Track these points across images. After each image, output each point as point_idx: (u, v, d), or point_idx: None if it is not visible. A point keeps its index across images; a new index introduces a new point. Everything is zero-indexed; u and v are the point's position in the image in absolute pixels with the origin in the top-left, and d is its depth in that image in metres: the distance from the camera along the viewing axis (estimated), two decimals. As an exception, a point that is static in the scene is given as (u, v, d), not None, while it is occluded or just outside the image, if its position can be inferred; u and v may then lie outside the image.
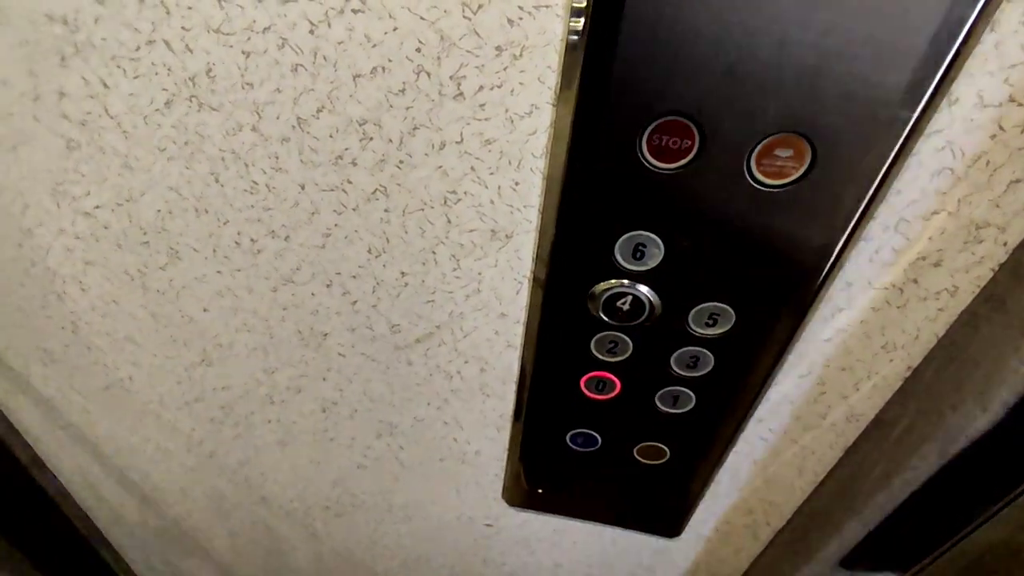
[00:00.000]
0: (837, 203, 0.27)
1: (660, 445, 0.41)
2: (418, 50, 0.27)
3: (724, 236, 0.29)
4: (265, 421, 0.49)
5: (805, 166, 0.26)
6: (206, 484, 0.59)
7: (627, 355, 0.36)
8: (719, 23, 0.23)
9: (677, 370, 0.36)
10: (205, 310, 0.41)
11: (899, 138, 0.25)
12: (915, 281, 0.30)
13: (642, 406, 0.39)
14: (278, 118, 0.30)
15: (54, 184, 0.36)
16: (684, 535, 0.49)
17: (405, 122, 0.29)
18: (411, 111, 0.29)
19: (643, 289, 0.32)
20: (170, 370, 0.47)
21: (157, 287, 0.41)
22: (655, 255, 0.31)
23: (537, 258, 0.33)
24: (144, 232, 0.38)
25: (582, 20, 0.24)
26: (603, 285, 0.32)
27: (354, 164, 0.31)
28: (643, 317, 0.33)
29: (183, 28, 0.28)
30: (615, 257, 0.31)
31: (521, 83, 0.27)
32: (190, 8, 0.27)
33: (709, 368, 0.35)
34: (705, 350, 0.35)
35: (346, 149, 0.31)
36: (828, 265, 0.30)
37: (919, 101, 0.24)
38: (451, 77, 0.27)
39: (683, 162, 0.27)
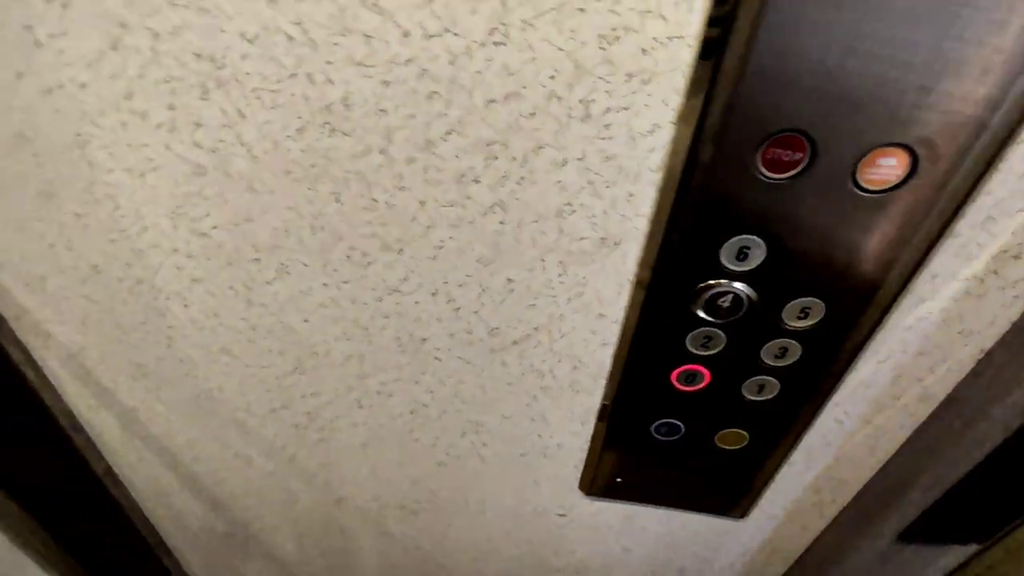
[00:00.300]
0: (932, 205, 0.30)
1: (741, 431, 0.44)
2: (552, 77, 0.29)
3: (824, 237, 0.32)
4: (351, 425, 0.52)
5: (905, 173, 0.29)
6: (282, 488, 0.61)
7: (719, 348, 0.39)
8: (834, 51, 0.26)
9: (766, 361, 0.39)
10: (306, 321, 0.44)
11: (994, 147, 0.28)
12: (996, 272, 0.33)
13: (728, 395, 0.41)
14: (407, 141, 0.33)
15: (175, 207, 0.38)
16: (751, 516, 0.52)
17: (531, 142, 0.32)
18: (538, 132, 0.31)
19: (742, 287, 0.35)
20: (261, 379, 0.49)
21: (261, 301, 0.43)
22: (758, 256, 0.34)
23: (642, 262, 0.35)
24: (256, 249, 0.40)
25: (713, 50, 0.27)
26: (706, 284, 0.35)
27: (476, 181, 0.34)
28: (741, 313, 0.36)
29: (327, 62, 0.30)
30: (719, 259, 0.34)
31: (646, 105, 0.29)
32: (336, 44, 0.30)
33: (796, 358, 0.38)
34: (794, 341, 0.37)
35: (470, 167, 0.33)
36: (918, 261, 0.33)
37: (1012, 113, 0.27)
38: (580, 101, 0.30)
39: (793, 172, 0.30)
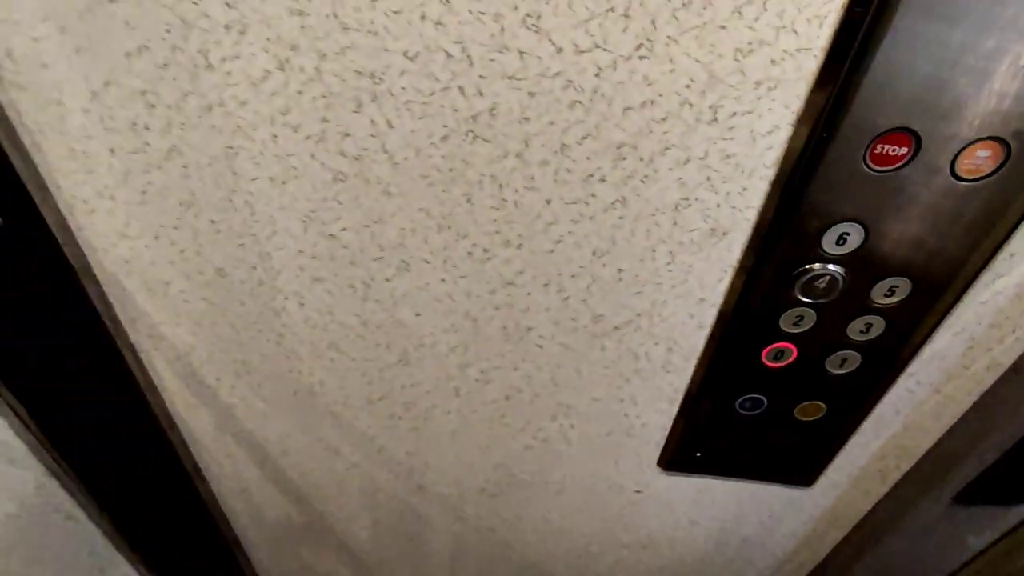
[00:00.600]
0: (1019, 191, 0.34)
1: (820, 403, 0.48)
2: (687, 86, 0.33)
3: (918, 221, 0.36)
4: (445, 413, 0.55)
5: (998, 163, 0.33)
6: (366, 478, 0.64)
7: (809, 326, 0.42)
8: (945, 60, 0.30)
9: (851, 336, 0.43)
10: (418, 315, 0.47)
11: (1077, 137, 0.32)
12: (1067, 248, 0.37)
13: (812, 370, 0.45)
14: (543, 146, 0.36)
15: (308, 211, 0.41)
16: (816, 484, 0.57)
17: (659, 144, 0.35)
18: (667, 135, 0.35)
19: (837, 269, 0.39)
20: (363, 372, 0.52)
21: (377, 297, 0.46)
22: (855, 240, 0.37)
23: (747, 249, 0.39)
24: (381, 249, 0.43)
25: (837, 60, 0.31)
26: (806, 268, 0.39)
27: (602, 180, 0.37)
28: (834, 294, 0.40)
29: (480, 76, 0.34)
30: (821, 244, 0.38)
31: (770, 109, 0.33)
32: (492, 60, 0.33)
33: (879, 333, 0.42)
34: (879, 317, 0.41)
35: (599, 168, 0.37)
36: (999, 241, 0.37)
37: (1095, 108, 0.31)
38: (710, 106, 0.33)
39: (897, 165, 0.34)
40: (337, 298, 0.47)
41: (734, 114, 0.33)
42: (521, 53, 0.32)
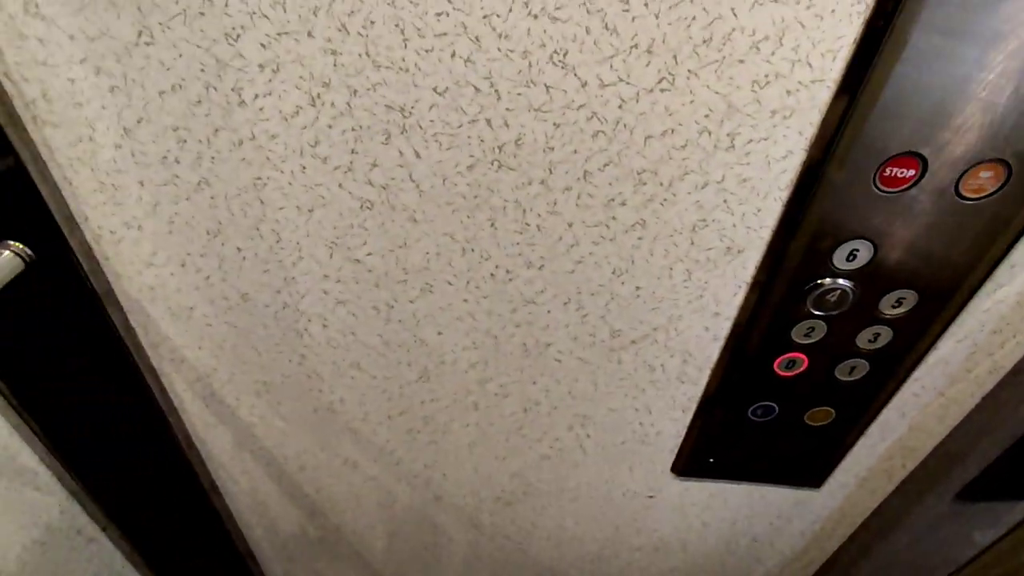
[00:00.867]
0: (1020, 208, 0.36)
1: (829, 409, 0.50)
2: (706, 116, 0.34)
3: (924, 238, 0.38)
4: (463, 426, 0.56)
5: (1001, 183, 0.35)
6: (383, 491, 0.65)
7: (820, 337, 0.44)
8: (953, 85, 0.32)
9: (859, 346, 0.45)
10: (440, 333, 0.48)
11: (1074, 158, 0.34)
12: (1064, 260, 0.39)
13: (823, 378, 0.47)
14: (567, 173, 0.37)
15: (334, 238, 0.42)
16: (825, 485, 0.58)
17: (679, 170, 0.37)
18: (686, 161, 0.36)
19: (847, 283, 0.41)
20: (384, 389, 0.54)
21: (400, 318, 0.47)
22: (864, 256, 0.39)
23: (761, 266, 0.41)
24: (406, 272, 0.44)
25: (849, 90, 0.32)
26: (817, 283, 0.41)
27: (623, 204, 0.39)
28: (845, 307, 0.42)
29: (507, 109, 0.35)
30: (832, 260, 0.39)
31: (784, 136, 0.35)
32: (519, 94, 0.34)
33: (887, 342, 0.44)
34: (887, 327, 0.43)
35: (619, 193, 0.38)
36: (1001, 254, 0.39)
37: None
38: (728, 134, 0.35)
39: (905, 187, 0.36)
40: (360, 319, 0.48)
41: (750, 141, 0.35)
42: (547, 87, 0.34)
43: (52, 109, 0.36)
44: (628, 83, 0.33)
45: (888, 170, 0.35)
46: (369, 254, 0.43)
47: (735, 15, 0.30)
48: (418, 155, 0.37)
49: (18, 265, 0.41)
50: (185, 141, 0.37)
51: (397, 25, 0.32)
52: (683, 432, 0.54)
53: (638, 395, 0.51)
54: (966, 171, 0.35)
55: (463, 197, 0.39)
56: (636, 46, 0.32)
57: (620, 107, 0.34)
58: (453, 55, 0.33)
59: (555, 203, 0.39)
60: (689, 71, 0.32)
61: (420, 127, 0.36)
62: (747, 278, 0.42)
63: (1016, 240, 0.38)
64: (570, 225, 0.40)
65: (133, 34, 0.33)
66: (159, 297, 0.47)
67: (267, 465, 0.64)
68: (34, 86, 0.35)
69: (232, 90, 0.35)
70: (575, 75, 0.33)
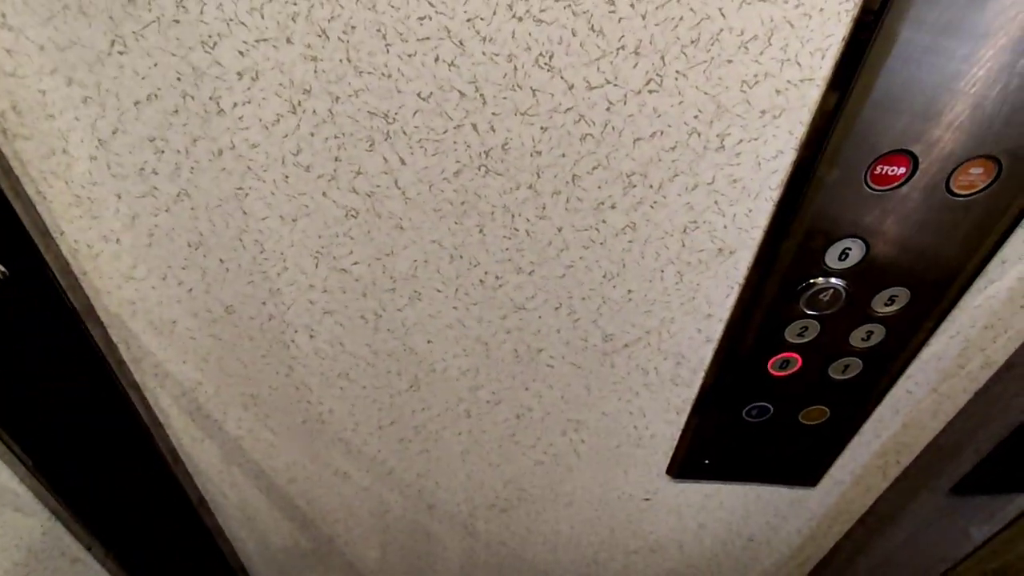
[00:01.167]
0: (1010, 204, 0.36)
1: (824, 408, 0.50)
2: (696, 116, 0.34)
3: (916, 235, 0.38)
4: (455, 434, 0.55)
5: (991, 179, 0.35)
6: (375, 500, 0.64)
7: (813, 336, 0.44)
8: (943, 81, 0.31)
9: (852, 344, 0.44)
10: (429, 342, 0.47)
11: (1063, 152, 0.34)
12: (1054, 254, 0.39)
13: (816, 377, 0.47)
14: (555, 177, 0.37)
15: (319, 247, 0.41)
16: (820, 483, 0.58)
17: (668, 172, 0.36)
18: (676, 163, 0.36)
19: (839, 282, 0.40)
20: (374, 399, 0.53)
21: (389, 327, 0.46)
22: (856, 255, 0.39)
23: (753, 266, 0.40)
24: (393, 280, 0.43)
25: (838, 88, 0.32)
26: (810, 283, 0.40)
27: (613, 207, 0.38)
28: (837, 306, 0.41)
29: (493, 113, 0.34)
30: (824, 260, 0.39)
31: (774, 135, 0.34)
32: (505, 98, 0.33)
33: (880, 339, 0.44)
34: (880, 325, 0.43)
35: (609, 196, 0.37)
36: (991, 250, 0.38)
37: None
38: (717, 135, 0.34)
39: (896, 184, 0.35)
40: (348, 329, 0.47)
41: (740, 141, 0.35)
42: (534, 91, 0.33)
43: (23, 121, 0.35)
44: (615, 85, 0.33)
45: (879, 168, 0.35)
46: (356, 263, 0.42)
47: (723, 15, 0.30)
48: (403, 162, 0.36)
49: (-9, 282, 0.39)
50: (163, 152, 0.36)
51: (379, 30, 0.31)
52: (678, 434, 0.54)
53: (632, 398, 0.51)
54: (956, 168, 0.34)
55: (450, 203, 0.38)
56: (623, 47, 0.31)
57: (608, 109, 0.34)
58: (437, 59, 0.32)
59: (544, 207, 0.38)
60: (677, 72, 0.32)
61: (404, 133, 0.35)
62: (739, 279, 0.42)
63: (1007, 236, 0.38)
64: (560, 229, 0.39)
65: (105, 43, 0.32)
66: (140, 311, 0.46)
67: (256, 478, 0.63)
68: (3, 98, 0.34)
69: (210, 99, 0.34)
70: (561, 78, 0.32)
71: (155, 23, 0.31)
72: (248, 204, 0.39)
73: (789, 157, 0.35)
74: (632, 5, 0.30)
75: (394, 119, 0.35)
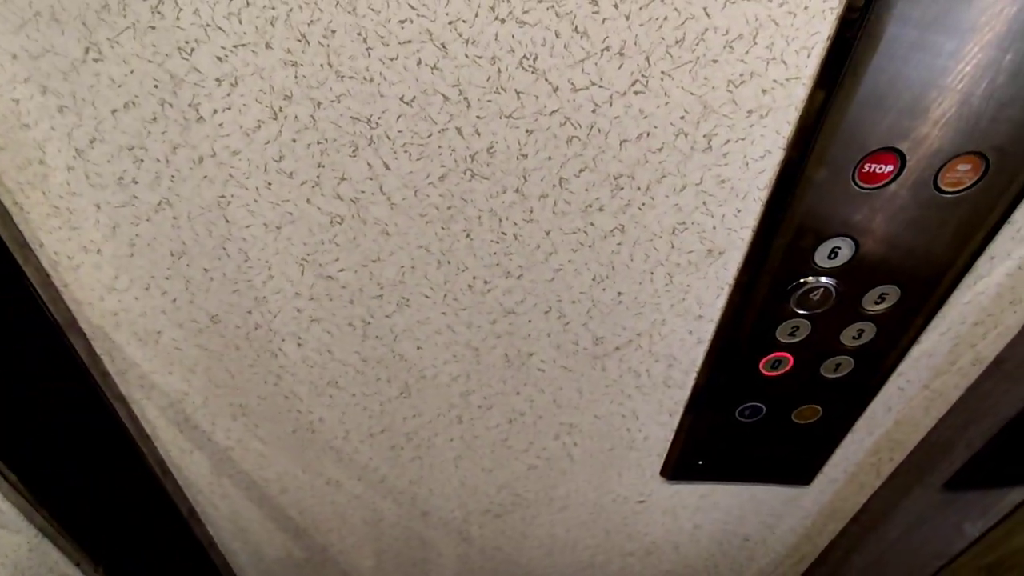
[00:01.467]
0: (998, 200, 0.36)
1: (816, 407, 0.49)
2: (682, 117, 0.33)
3: (904, 233, 0.38)
4: (447, 440, 0.55)
5: (979, 175, 0.35)
6: (368, 508, 0.64)
7: (805, 336, 0.44)
8: (930, 78, 0.31)
9: (844, 343, 0.44)
10: (419, 348, 0.47)
11: (1049, 148, 0.34)
12: (1042, 249, 0.39)
13: (808, 376, 0.47)
14: (542, 180, 0.36)
15: (304, 255, 0.41)
16: (814, 481, 0.58)
17: (656, 173, 0.36)
18: (663, 164, 0.35)
19: (830, 281, 0.40)
20: (365, 407, 0.52)
21: (377, 334, 0.46)
22: (846, 253, 0.39)
23: (743, 267, 0.40)
24: (381, 287, 0.43)
25: (825, 87, 0.32)
26: (800, 282, 0.40)
27: (600, 210, 0.38)
28: (828, 305, 0.41)
29: (477, 117, 0.34)
30: (814, 259, 0.39)
31: (762, 135, 0.34)
32: (489, 101, 0.33)
33: (871, 337, 0.44)
34: (870, 323, 0.43)
35: (596, 199, 0.37)
36: (980, 246, 0.38)
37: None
38: (704, 136, 0.34)
39: (884, 182, 0.35)
40: (336, 337, 0.46)
41: (728, 141, 0.34)
42: (518, 93, 0.33)
43: (-3, 132, 0.34)
44: (601, 87, 0.32)
45: (867, 166, 0.34)
46: (342, 270, 0.42)
47: (707, 14, 0.29)
48: (387, 167, 0.36)
49: (-31, 297, 0.38)
50: (142, 160, 0.36)
51: (359, 34, 0.31)
52: (671, 436, 0.54)
53: (624, 401, 0.50)
54: (944, 165, 0.34)
55: (436, 208, 0.38)
56: (607, 48, 0.31)
57: (594, 111, 0.33)
58: (419, 63, 0.31)
59: (531, 211, 0.38)
60: (663, 72, 0.32)
61: (388, 138, 0.35)
62: (729, 279, 0.41)
63: (995, 232, 0.38)
64: (547, 233, 0.39)
65: (79, 51, 0.31)
66: (124, 323, 0.45)
67: (247, 489, 0.62)
68: (-24, 108, 0.33)
69: (189, 106, 0.33)
70: (546, 80, 0.32)
71: (130, 29, 0.30)
72: (231, 212, 0.38)
73: (777, 157, 0.35)
74: (616, 6, 0.29)
75: (377, 124, 0.34)
